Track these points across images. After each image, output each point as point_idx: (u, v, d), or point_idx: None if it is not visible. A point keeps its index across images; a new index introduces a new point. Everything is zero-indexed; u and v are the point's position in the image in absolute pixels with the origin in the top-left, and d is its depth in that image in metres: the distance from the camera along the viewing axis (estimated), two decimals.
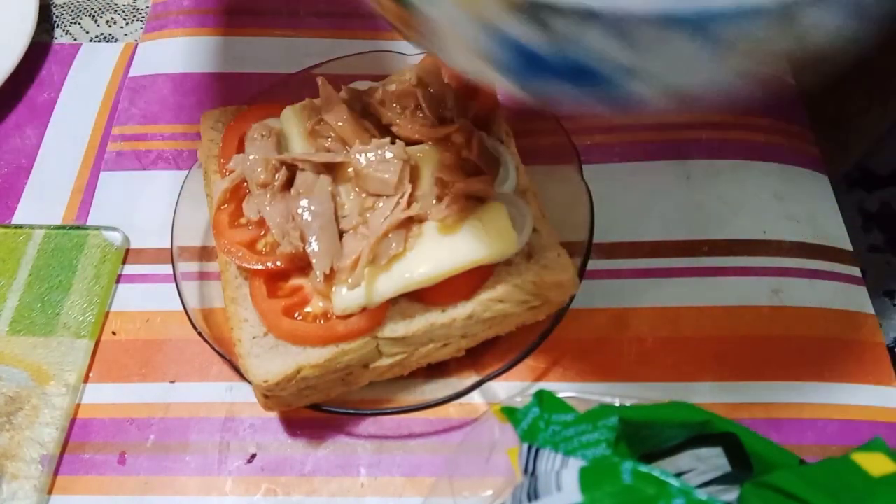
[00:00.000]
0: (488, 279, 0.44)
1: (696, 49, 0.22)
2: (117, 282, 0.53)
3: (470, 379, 0.47)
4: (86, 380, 0.49)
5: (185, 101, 0.62)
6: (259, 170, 0.45)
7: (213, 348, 0.45)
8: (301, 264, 0.43)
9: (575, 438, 0.34)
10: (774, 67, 0.25)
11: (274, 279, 0.44)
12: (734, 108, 0.60)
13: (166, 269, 0.51)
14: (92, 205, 0.57)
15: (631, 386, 0.48)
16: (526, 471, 0.35)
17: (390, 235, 0.41)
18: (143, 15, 0.69)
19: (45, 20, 0.68)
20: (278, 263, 0.43)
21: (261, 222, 0.44)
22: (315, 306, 0.43)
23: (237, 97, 0.63)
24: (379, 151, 0.43)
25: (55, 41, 0.67)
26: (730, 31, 0.22)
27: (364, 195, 0.44)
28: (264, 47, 0.66)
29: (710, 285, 0.52)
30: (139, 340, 0.51)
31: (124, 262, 0.54)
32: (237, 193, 0.46)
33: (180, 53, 0.65)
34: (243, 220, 0.45)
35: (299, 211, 0.42)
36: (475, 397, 0.48)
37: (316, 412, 0.45)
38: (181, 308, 0.47)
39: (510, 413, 0.37)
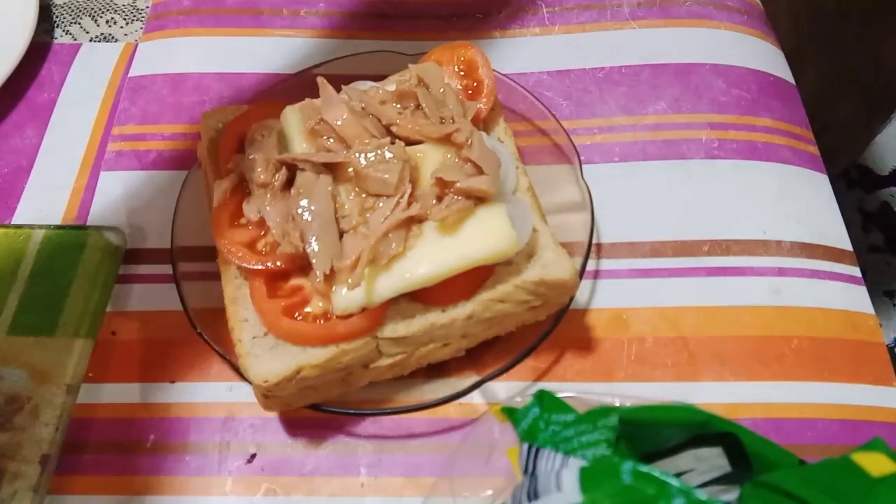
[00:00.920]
0: (488, 279, 0.44)
1: None
2: (117, 282, 0.53)
3: (470, 379, 0.47)
4: (86, 380, 0.49)
5: (185, 101, 0.62)
6: (259, 170, 0.45)
7: (213, 348, 0.45)
8: (301, 264, 0.43)
9: (575, 438, 0.34)
10: None
11: (274, 279, 0.44)
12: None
13: (166, 269, 0.51)
14: (92, 205, 0.57)
15: (631, 386, 0.48)
16: (526, 471, 0.35)
17: (390, 235, 0.41)
18: (143, 15, 0.69)
19: (45, 20, 0.68)
20: (278, 263, 0.43)
21: (261, 222, 0.44)
22: (315, 306, 0.43)
23: (237, 97, 0.63)
24: (379, 151, 0.43)
25: (55, 41, 0.67)
26: None
27: (364, 195, 0.44)
28: (264, 47, 0.66)
29: (710, 285, 0.52)
30: (139, 340, 0.51)
31: (124, 262, 0.54)
32: (237, 193, 0.46)
33: (180, 53, 0.65)
34: (243, 220, 0.45)
35: (299, 211, 0.42)
36: (475, 397, 0.48)
37: (316, 412, 0.45)
38: (181, 308, 0.47)
39: (510, 413, 0.37)
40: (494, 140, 0.50)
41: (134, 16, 0.69)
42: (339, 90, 0.48)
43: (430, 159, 0.45)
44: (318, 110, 0.46)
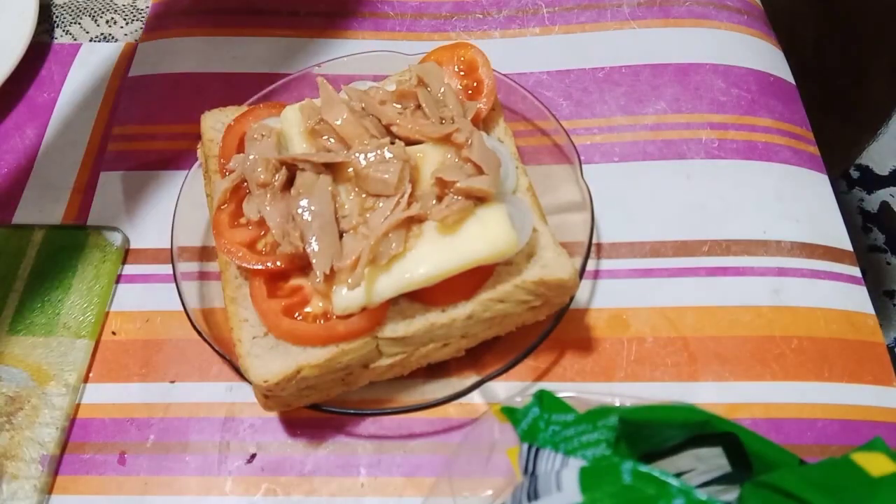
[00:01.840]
0: (488, 279, 0.44)
1: None
2: (117, 282, 0.54)
3: (470, 379, 0.47)
4: (86, 380, 0.49)
5: (185, 101, 0.63)
6: (259, 170, 0.45)
7: (213, 348, 0.45)
8: (301, 264, 0.43)
9: (575, 438, 0.34)
10: None
11: (274, 279, 0.44)
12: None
13: (166, 269, 0.51)
14: (92, 205, 0.57)
15: (631, 386, 0.48)
16: (526, 471, 0.35)
17: (390, 235, 0.41)
18: (143, 15, 0.69)
19: (45, 20, 0.68)
20: (278, 263, 0.43)
21: (261, 222, 0.44)
22: (315, 306, 0.43)
23: (237, 97, 0.63)
24: (379, 151, 0.43)
25: (55, 41, 0.67)
26: None
27: (364, 195, 0.44)
28: (264, 47, 0.66)
29: (710, 285, 0.52)
30: (139, 340, 0.51)
31: (124, 262, 0.54)
32: (237, 193, 0.46)
33: (180, 53, 0.65)
34: (243, 220, 0.45)
35: (299, 211, 0.42)
36: (475, 397, 0.48)
37: (316, 412, 0.45)
38: (181, 308, 0.47)
39: (510, 413, 0.37)
40: (494, 140, 0.50)
41: (134, 16, 0.69)
42: (339, 90, 0.48)
43: (430, 159, 0.45)
44: (318, 110, 0.46)
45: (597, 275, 0.53)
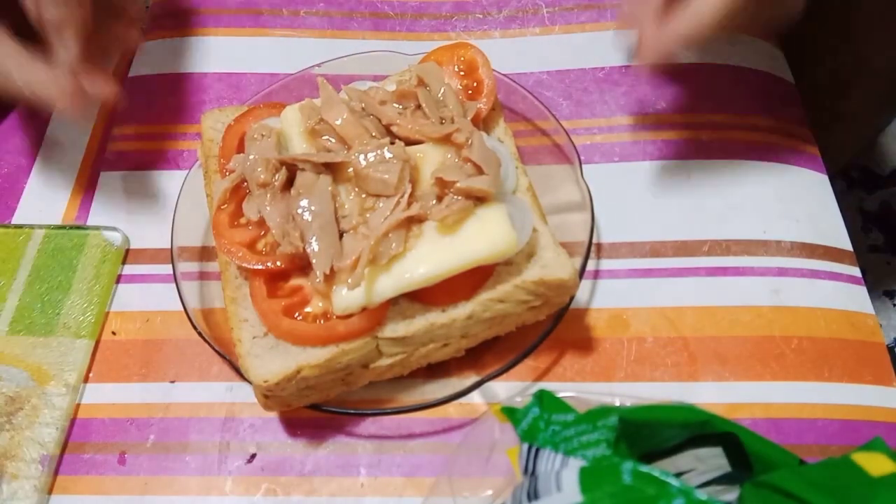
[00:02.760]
0: (488, 279, 0.44)
1: None
2: (117, 282, 0.54)
3: (470, 379, 0.47)
4: (86, 380, 0.49)
5: (185, 101, 0.63)
6: (259, 170, 0.45)
7: (213, 348, 0.45)
8: (301, 264, 0.43)
9: (575, 438, 0.34)
10: None
11: (274, 279, 0.44)
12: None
13: (166, 269, 0.51)
14: (92, 205, 0.57)
15: (631, 386, 0.48)
16: (526, 471, 0.35)
17: (390, 235, 0.41)
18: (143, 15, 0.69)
19: None
20: (278, 263, 0.43)
21: (261, 222, 0.44)
22: (315, 306, 0.43)
23: (237, 97, 0.63)
24: (379, 151, 0.43)
25: None
26: None
27: (364, 195, 0.44)
28: (264, 47, 0.66)
29: (710, 285, 0.52)
30: (139, 340, 0.51)
31: (124, 262, 0.54)
32: (237, 193, 0.46)
33: (180, 53, 0.65)
34: (243, 220, 0.45)
35: (299, 211, 0.42)
36: (475, 397, 0.48)
37: (316, 412, 0.45)
38: (181, 308, 0.47)
39: (510, 413, 0.37)
40: (494, 140, 0.50)
41: None
42: (339, 90, 0.48)
43: (430, 159, 0.45)
44: (318, 110, 0.46)
45: (597, 275, 0.53)
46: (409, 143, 0.45)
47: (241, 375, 0.42)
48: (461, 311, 0.43)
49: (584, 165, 0.52)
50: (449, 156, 0.44)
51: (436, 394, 0.46)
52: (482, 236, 0.42)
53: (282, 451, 0.47)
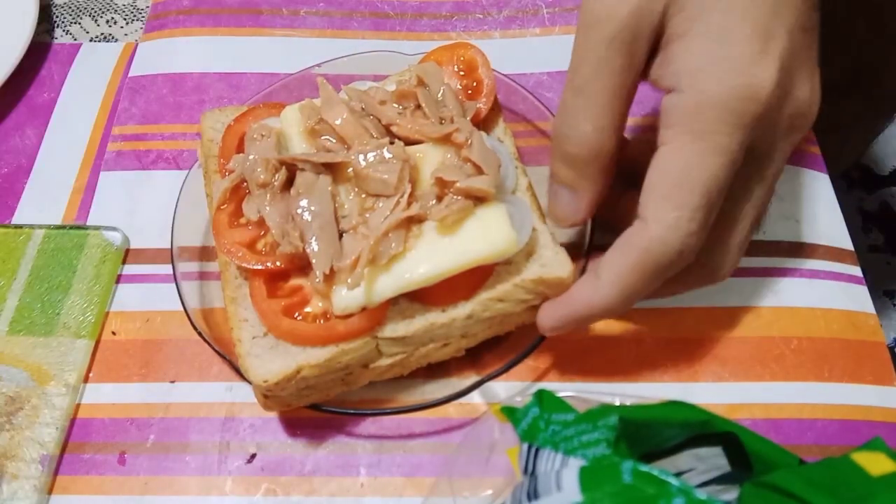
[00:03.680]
0: (488, 279, 0.44)
1: None
2: (117, 282, 0.54)
3: (470, 379, 0.47)
4: (86, 380, 0.49)
5: (185, 101, 0.63)
6: (259, 170, 0.45)
7: (213, 348, 0.45)
8: (301, 264, 0.43)
9: (575, 438, 0.34)
10: None
11: (274, 279, 0.44)
12: None
13: (166, 269, 0.51)
14: (92, 205, 0.57)
15: (631, 386, 0.48)
16: (526, 471, 0.35)
17: (390, 235, 0.41)
18: (143, 15, 0.69)
19: (45, 20, 0.68)
20: (278, 263, 0.43)
21: (261, 222, 0.44)
22: (315, 306, 0.43)
23: (237, 97, 0.63)
24: (379, 151, 0.43)
25: (55, 41, 0.67)
26: None
27: (364, 195, 0.44)
28: (264, 47, 0.66)
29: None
30: (139, 340, 0.51)
31: (124, 262, 0.54)
32: (237, 193, 0.46)
33: (180, 53, 0.65)
34: (243, 220, 0.45)
35: (299, 211, 0.42)
36: (475, 397, 0.48)
37: (316, 412, 0.45)
38: (181, 308, 0.47)
39: (510, 413, 0.37)
40: (494, 140, 0.50)
41: (134, 16, 0.69)
42: (339, 90, 0.48)
43: (430, 159, 0.45)
44: (318, 110, 0.46)
45: None
46: (409, 143, 0.45)
47: (241, 375, 0.42)
48: (461, 310, 0.43)
49: None
50: (449, 156, 0.44)
51: (436, 394, 0.46)
52: (482, 236, 0.42)
53: (282, 451, 0.47)
